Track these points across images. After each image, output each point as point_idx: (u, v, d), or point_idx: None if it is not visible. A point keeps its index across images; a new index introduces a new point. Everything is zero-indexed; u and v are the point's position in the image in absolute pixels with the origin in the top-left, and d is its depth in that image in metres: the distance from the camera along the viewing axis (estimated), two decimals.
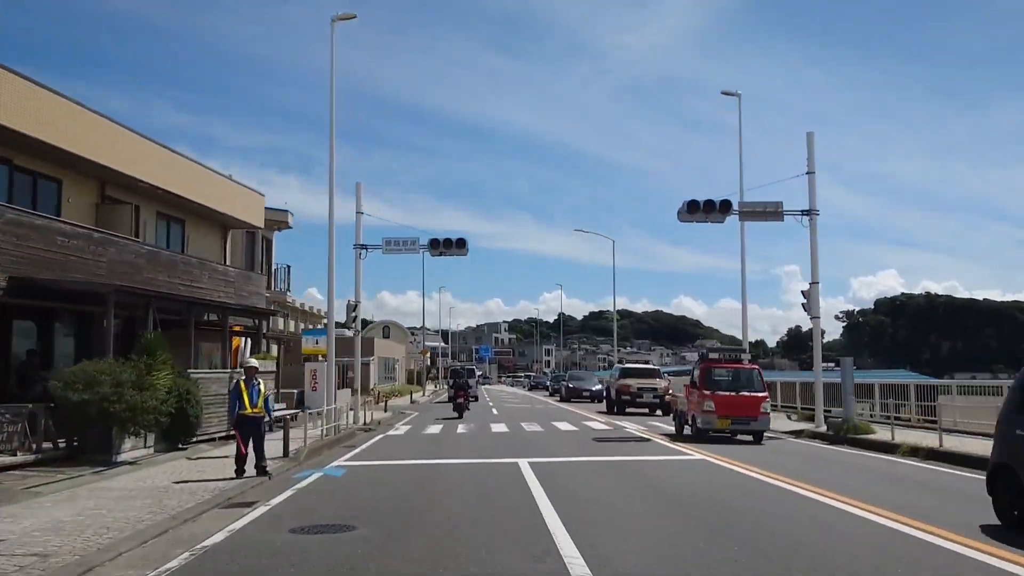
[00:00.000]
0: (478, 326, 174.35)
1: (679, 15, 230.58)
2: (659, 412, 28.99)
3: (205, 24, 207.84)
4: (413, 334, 55.14)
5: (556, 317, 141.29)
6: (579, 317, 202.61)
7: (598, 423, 24.53)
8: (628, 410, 29.33)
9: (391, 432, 21.25)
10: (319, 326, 35.11)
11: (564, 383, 44.39)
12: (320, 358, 25.14)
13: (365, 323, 34.44)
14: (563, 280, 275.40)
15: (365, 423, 22.62)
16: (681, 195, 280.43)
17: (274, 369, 22.16)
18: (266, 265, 30.67)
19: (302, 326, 37.65)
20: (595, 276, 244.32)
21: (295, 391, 23.71)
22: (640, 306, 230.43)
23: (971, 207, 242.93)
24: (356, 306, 24.28)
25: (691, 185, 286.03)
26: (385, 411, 30.00)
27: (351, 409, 22.65)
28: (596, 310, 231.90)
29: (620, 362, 44.28)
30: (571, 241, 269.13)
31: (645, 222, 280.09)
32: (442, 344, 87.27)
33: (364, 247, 24.34)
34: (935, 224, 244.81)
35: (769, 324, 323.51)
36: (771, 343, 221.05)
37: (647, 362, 48.20)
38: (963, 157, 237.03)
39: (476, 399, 37.55)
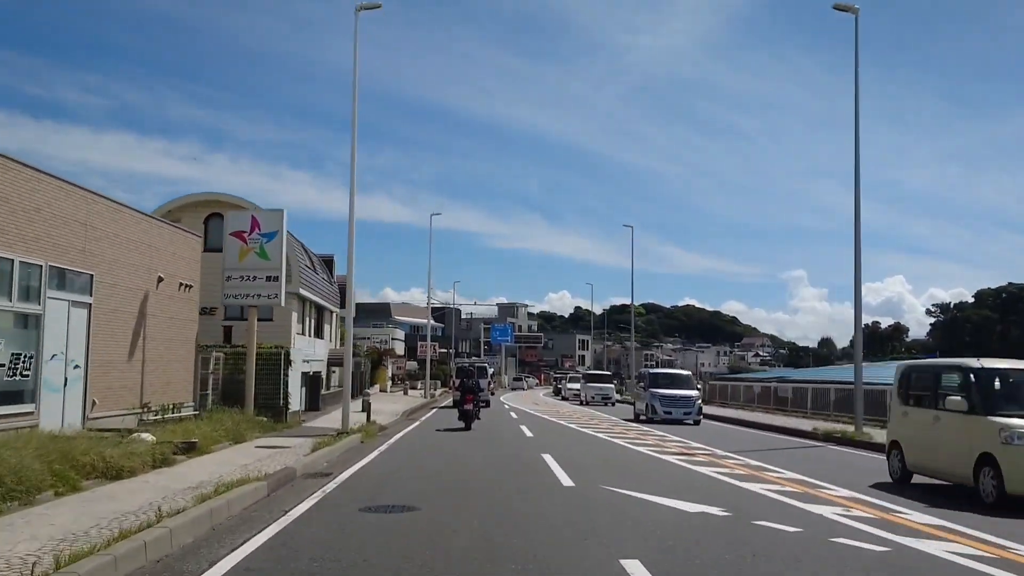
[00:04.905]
0: (488, 320, 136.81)
1: (693, 17, 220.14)
2: None
3: (219, 18, 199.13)
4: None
5: (571, 312, 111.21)
6: (596, 313, 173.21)
7: None
8: None
9: None
10: None
11: None
12: None
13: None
14: (573, 280, 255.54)
15: None
16: (691, 198, 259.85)
17: None
18: None
19: None
20: (606, 276, 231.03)
21: None
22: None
23: (982, 216, 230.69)
24: None
25: (701, 188, 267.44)
26: None
27: None
28: (618, 304, 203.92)
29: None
30: (581, 242, 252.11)
31: (655, 224, 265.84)
32: (429, 322, 53.13)
33: None
34: (945, 232, 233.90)
35: (775, 328, 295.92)
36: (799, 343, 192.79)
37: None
38: (975, 166, 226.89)
39: (488, 404, 31.64)
